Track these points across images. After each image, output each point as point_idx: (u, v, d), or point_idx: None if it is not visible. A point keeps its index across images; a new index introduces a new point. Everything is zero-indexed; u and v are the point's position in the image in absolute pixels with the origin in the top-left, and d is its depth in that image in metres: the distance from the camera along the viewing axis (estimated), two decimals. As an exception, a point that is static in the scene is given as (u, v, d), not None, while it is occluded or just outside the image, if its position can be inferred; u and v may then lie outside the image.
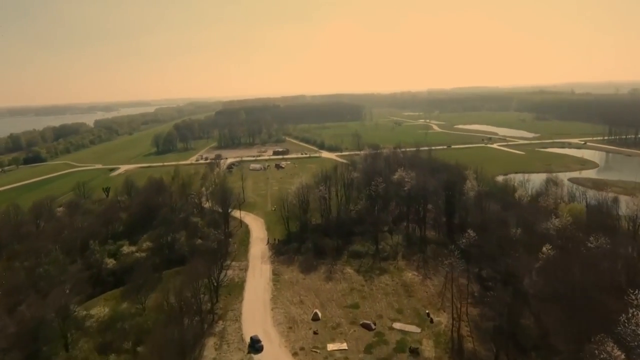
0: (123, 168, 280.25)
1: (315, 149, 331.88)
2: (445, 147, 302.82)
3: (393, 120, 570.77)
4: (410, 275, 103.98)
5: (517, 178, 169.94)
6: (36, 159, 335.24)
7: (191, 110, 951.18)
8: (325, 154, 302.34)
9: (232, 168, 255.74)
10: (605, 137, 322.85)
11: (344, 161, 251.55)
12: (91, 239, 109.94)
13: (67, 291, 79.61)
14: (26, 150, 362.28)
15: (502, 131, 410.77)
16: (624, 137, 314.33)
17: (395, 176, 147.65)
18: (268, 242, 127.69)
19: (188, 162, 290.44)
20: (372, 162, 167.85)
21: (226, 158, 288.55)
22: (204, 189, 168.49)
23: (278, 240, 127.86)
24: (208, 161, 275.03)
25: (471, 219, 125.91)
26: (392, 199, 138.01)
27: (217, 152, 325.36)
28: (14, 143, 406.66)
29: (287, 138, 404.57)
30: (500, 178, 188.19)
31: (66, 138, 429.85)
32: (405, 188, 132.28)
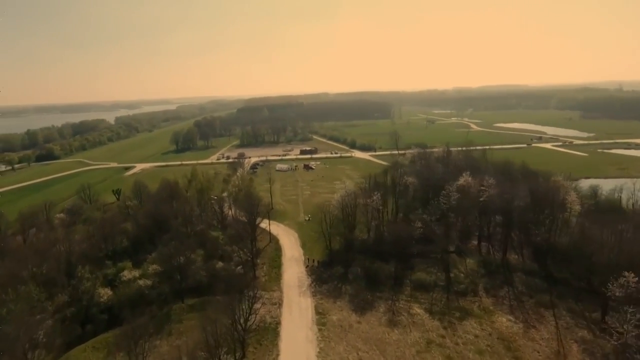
0: (139, 167, 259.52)
1: (346, 147, 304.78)
2: (491, 147, 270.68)
3: (425, 118, 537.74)
4: (504, 321, 75.73)
5: (587, 184, 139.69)
6: (49, 156, 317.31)
7: (213, 108, 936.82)
8: (357, 154, 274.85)
9: (256, 168, 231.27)
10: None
11: (382, 162, 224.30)
12: (83, 260, 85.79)
13: (27, 346, 54.62)
14: (40, 147, 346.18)
15: (550, 130, 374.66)
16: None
17: (460, 182, 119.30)
18: (306, 264, 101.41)
19: (208, 161, 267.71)
20: (426, 165, 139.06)
21: (249, 157, 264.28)
22: (225, 194, 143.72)
23: (317, 262, 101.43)
24: (230, 160, 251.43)
25: (569, 238, 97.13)
26: (466, 212, 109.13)
27: (240, 150, 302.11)
28: (30, 139, 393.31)
29: (313, 136, 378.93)
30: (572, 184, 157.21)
31: (83, 135, 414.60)
32: (482, 198, 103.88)
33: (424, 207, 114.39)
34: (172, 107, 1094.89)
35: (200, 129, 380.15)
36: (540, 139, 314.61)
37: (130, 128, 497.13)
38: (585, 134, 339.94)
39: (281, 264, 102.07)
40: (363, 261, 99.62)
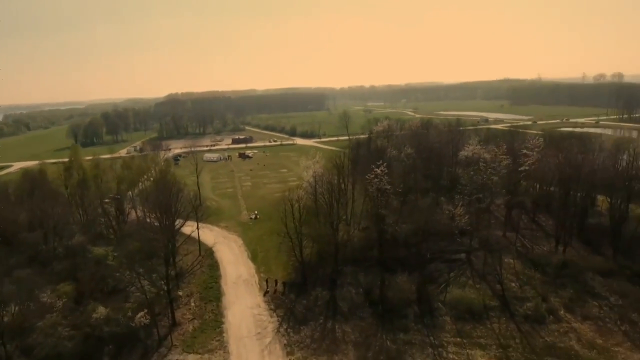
0: (18, 166, 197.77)
1: (286, 136, 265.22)
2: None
3: (363, 109, 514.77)
4: (642, 369, 42.32)
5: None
6: None
7: (129, 107, 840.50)
8: (300, 141, 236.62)
9: (178, 160, 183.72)
10: (619, 116, 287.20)
11: (332, 148, 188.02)
12: None
13: None
14: None
15: (490, 115, 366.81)
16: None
17: (467, 153, 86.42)
18: (264, 289, 60.98)
19: (114, 155, 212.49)
20: (416, 133, 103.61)
21: (169, 148, 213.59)
22: (130, 193, 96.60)
23: (283, 283, 61.53)
24: (143, 153, 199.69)
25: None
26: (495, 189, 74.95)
27: (158, 143, 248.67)
28: None
29: (246, 127, 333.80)
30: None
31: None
32: (523, 167, 71.06)
33: (437, 189, 79.23)
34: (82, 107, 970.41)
35: (108, 121, 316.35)
36: (486, 121, 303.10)
37: (18, 124, 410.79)
38: (525, 117, 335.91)
39: (221, 293, 60.53)
40: (357, 276, 61.99)
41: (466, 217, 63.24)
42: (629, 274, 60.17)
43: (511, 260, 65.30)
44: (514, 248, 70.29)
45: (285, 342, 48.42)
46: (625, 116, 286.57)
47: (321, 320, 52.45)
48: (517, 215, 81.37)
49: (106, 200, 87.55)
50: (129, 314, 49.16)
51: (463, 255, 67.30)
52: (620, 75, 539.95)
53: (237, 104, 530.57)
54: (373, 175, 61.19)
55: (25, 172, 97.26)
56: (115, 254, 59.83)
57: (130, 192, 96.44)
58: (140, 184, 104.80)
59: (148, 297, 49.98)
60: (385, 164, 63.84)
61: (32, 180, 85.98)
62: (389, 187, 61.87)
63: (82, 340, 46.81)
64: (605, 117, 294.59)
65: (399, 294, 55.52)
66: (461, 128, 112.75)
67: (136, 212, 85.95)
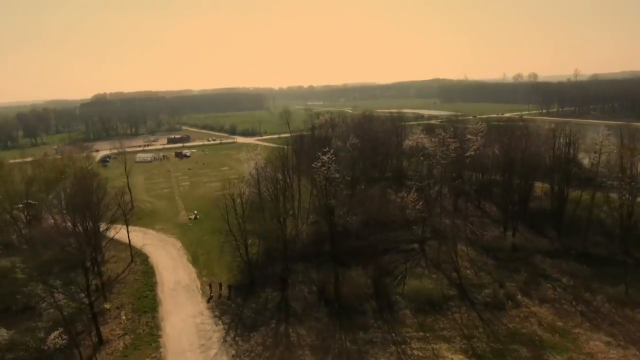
0: None
1: (225, 135, 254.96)
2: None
3: (303, 108, 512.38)
4: (603, 347, 41.77)
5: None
6: None
7: (50, 108, 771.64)
8: (240, 139, 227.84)
9: (107, 161, 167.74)
10: (539, 111, 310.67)
11: (273, 145, 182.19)
12: None
13: None
14: None
15: (425, 112, 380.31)
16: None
17: (411, 142, 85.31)
18: (208, 294, 54.48)
19: (30, 158, 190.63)
20: (368, 128, 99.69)
21: (96, 150, 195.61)
22: (45, 196, 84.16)
23: (229, 287, 55.43)
24: (61, 156, 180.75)
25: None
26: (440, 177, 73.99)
27: (83, 144, 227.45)
28: None
29: (182, 127, 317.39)
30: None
31: None
32: (469, 152, 70.65)
33: (384, 178, 76.97)
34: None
35: (24, 122, 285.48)
36: (422, 117, 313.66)
37: None
38: (457, 113, 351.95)
39: (157, 302, 53.23)
40: (309, 273, 57.69)
41: (420, 204, 60.97)
42: (574, 254, 61.36)
43: (464, 248, 64.45)
44: (464, 235, 69.76)
45: (233, 352, 42.75)
46: (544, 111, 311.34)
47: (273, 325, 47.34)
48: (462, 202, 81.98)
49: (19, 206, 75.82)
50: (42, 335, 40.79)
51: (416, 245, 65.50)
52: (535, 75, 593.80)
53: (171, 104, 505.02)
54: (320, 164, 56.96)
55: None
56: (24, 266, 50.20)
57: (45, 196, 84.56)
58: (57, 186, 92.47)
59: (65, 313, 41.83)
60: (332, 150, 59.83)
61: None
62: (337, 175, 58.01)
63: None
64: (527, 112, 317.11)
65: (355, 289, 51.96)
66: (403, 123, 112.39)
67: (53, 218, 74.97)
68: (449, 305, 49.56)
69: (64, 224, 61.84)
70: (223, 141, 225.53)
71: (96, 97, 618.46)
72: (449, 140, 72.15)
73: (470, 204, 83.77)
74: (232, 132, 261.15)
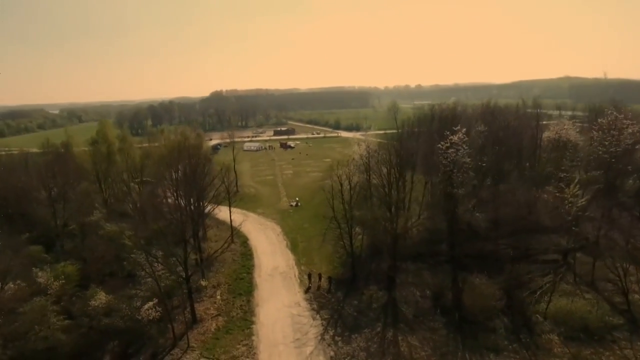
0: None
1: (329, 129, 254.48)
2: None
3: (411, 107, 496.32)
4: None
5: None
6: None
7: (175, 104, 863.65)
8: (344, 134, 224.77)
9: (218, 149, 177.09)
10: None
11: (380, 140, 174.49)
12: None
13: None
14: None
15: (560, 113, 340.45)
16: None
17: (552, 134, 71.01)
18: (307, 284, 49.50)
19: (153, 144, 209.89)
20: (499, 114, 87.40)
21: (210, 139, 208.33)
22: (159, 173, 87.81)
23: (330, 279, 49.69)
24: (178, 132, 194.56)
25: None
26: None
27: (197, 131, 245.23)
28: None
29: (288, 121, 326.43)
30: None
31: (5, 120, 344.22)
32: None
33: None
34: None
35: (153, 113, 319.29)
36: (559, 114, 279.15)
37: (71, 117, 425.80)
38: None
39: (253, 286, 49.72)
40: (421, 274, 49.29)
41: (579, 204, 47.96)
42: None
43: (628, 266, 50.02)
44: (625, 250, 54.62)
45: (332, 353, 36.63)
46: None
47: (378, 328, 40.22)
48: (616, 210, 65.64)
49: (136, 180, 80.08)
50: (138, 304, 39.14)
51: (559, 257, 52.72)
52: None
53: (279, 100, 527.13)
54: (448, 144, 47.69)
55: (47, 144, 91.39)
56: (131, 234, 50.29)
57: (159, 172, 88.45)
58: (171, 165, 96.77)
59: (162, 285, 39.71)
60: (464, 129, 49.96)
61: (55, 154, 79.55)
62: (468, 159, 48.02)
63: (82, 333, 37.46)
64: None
65: (481, 300, 42.11)
66: (539, 110, 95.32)
67: (164, 192, 77.34)
68: (615, 337, 37.30)
69: (174, 200, 62.33)
70: (327, 135, 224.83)
71: (213, 94, 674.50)
72: (624, 121, 56.37)
73: (625, 213, 67.01)
74: (337, 127, 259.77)
